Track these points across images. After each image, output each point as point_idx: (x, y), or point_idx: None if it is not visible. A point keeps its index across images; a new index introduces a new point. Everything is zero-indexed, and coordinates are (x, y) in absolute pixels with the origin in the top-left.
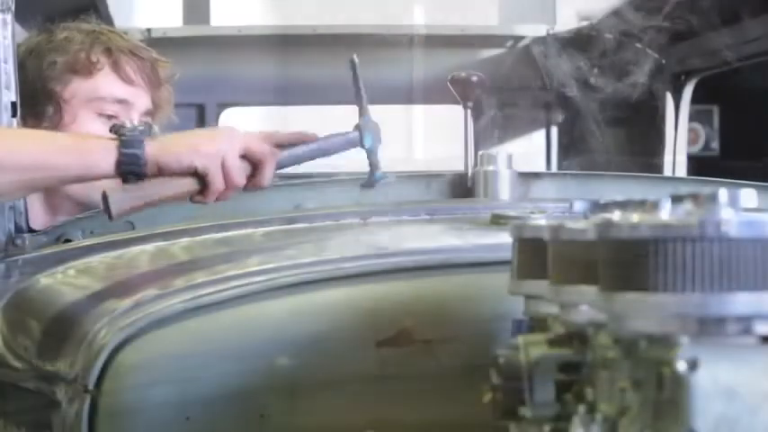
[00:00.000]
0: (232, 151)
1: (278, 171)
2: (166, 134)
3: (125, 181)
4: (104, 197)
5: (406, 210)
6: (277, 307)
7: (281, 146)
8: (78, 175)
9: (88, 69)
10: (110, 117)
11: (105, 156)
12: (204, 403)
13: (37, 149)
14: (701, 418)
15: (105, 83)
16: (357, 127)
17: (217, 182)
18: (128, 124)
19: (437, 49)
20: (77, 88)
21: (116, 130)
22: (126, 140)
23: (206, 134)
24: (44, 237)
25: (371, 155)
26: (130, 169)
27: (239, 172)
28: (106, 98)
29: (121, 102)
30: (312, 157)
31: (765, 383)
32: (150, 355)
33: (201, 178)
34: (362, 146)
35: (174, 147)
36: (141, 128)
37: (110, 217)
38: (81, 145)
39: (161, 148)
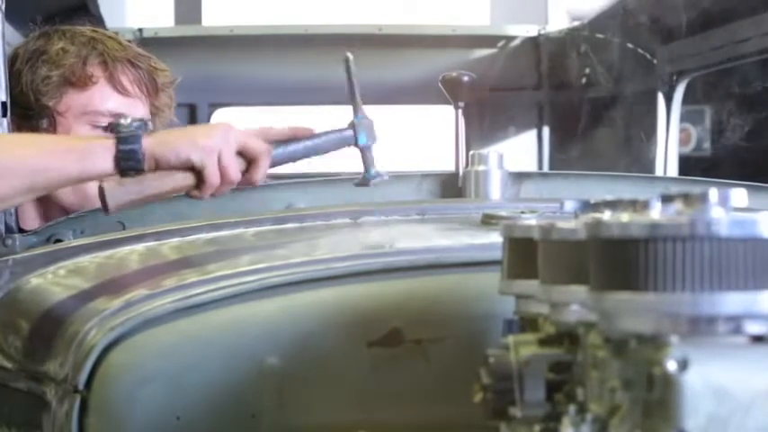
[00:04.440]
0: (228, 147)
1: (271, 168)
2: (163, 130)
3: (124, 177)
4: (101, 191)
5: (397, 209)
6: (268, 307)
7: (276, 142)
8: (78, 176)
9: (83, 82)
10: (105, 129)
11: (103, 153)
12: (195, 403)
13: (35, 153)
14: (692, 418)
15: (101, 95)
16: (351, 125)
17: (213, 176)
18: (124, 122)
19: (428, 49)
20: (72, 101)
21: (113, 127)
22: (123, 137)
23: (203, 129)
24: (35, 237)
25: (366, 153)
26: (129, 165)
27: (235, 167)
28: (101, 111)
29: (117, 114)
30: (307, 155)
31: (756, 383)
32: (140, 354)
33: (198, 173)
34: (356, 144)
35: (171, 141)
36: (137, 124)
37: (106, 211)
38: (78, 145)
39: (158, 142)
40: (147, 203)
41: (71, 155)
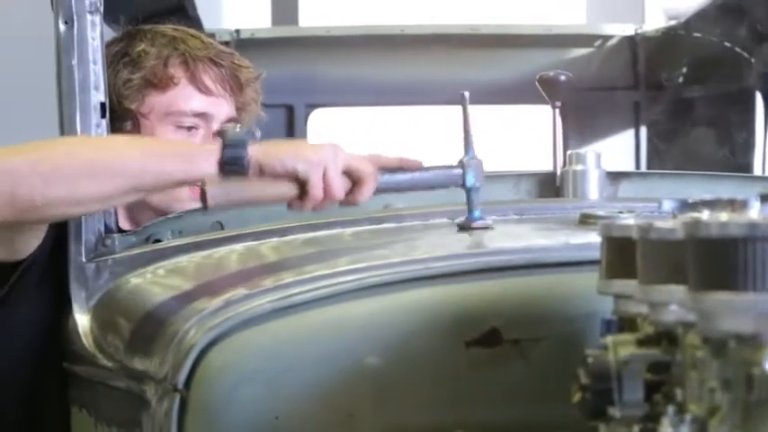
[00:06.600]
0: (335, 164)
1: (376, 194)
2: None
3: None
4: (202, 188)
5: (494, 209)
6: (365, 307)
7: (383, 169)
8: (181, 178)
9: (165, 83)
10: (189, 129)
11: (208, 158)
12: (293, 403)
13: (142, 154)
14: None
15: (183, 96)
16: (460, 163)
17: (316, 190)
18: (231, 128)
19: (524, 48)
20: (155, 102)
21: (219, 133)
22: (229, 142)
23: (311, 144)
24: (133, 237)
25: (471, 195)
26: (233, 170)
27: (339, 184)
28: (185, 111)
29: (200, 114)
30: (412, 188)
31: None
32: (239, 354)
33: (302, 185)
34: (463, 185)
35: (278, 150)
36: (245, 132)
37: (204, 207)
38: (184, 148)
39: (265, 151)
40: (247, 206)
41: (175, 157)
